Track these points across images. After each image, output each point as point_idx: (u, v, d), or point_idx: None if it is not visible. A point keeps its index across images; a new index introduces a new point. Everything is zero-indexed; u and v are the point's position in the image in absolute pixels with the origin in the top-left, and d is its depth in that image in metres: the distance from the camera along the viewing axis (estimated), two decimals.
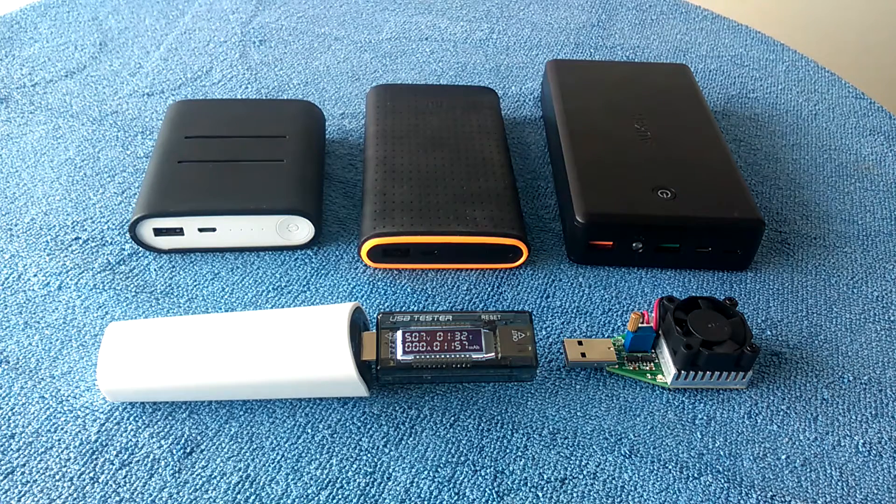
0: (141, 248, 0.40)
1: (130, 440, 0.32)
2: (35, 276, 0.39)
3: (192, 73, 0.55)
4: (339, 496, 0.30)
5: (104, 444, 0.32)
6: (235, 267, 0.40)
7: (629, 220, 0.39)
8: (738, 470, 0.32)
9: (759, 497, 0.31)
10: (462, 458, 0.32)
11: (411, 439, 0.32)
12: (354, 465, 0.31)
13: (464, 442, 0.32)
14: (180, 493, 0.30)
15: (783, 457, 0.33)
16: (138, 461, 0.31)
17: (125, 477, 0.31)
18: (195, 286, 0.39)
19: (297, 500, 0.30)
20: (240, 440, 0.32)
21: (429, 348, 0.32)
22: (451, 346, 0.32)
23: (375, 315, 0.36)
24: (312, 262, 0.41)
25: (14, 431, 0.32)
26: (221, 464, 0.31)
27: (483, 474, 0.31)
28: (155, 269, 0.40)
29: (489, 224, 0.39)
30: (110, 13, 0.61)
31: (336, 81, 0.55)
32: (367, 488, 0.31)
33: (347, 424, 0.33)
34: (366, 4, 0.65)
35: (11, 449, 0.31)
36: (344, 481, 0.31)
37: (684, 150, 0.44)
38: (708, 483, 0.31)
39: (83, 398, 0.33)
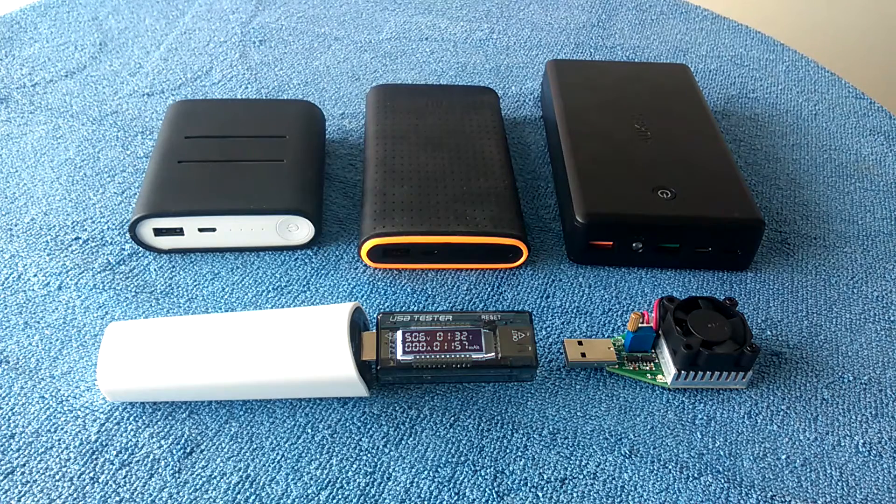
0: (141, 248, 0.40)
1: (130, 440, 0.32)
2: (35, 276, 0.39)
3: (192, 73, 0.55)
4: (339, 496, 0.30)
5: (104, 444, 0.32)
6: (235, 267, 0.40)
7: (629, 220, 0.39)
8: (738, 470, 0.32)
9: (759, 497, 0.31)
10: (462, 458, 0.32)
11: (411, 439, 0.32)
12: (354, 465, 0.31)
13: (464, 442, 0.32)
14: (180, 493, 0.30)
15: (783, 457, 0.33)
16: (138, 461, 0.31)
17: (125, 477, 0.31)
18: (195, 286, 0.39)
19: (297, 500, 0.30)
20: (240, 440, 0.32)
21: (429, 348, 0.32)
22: (451, 346, 0.32)
23: (375, 315, 0.36)
24: (312, 262, 0.41)
25: (14, 431, 0.32)
26: (221, 464, 0.31)
27: (483, 474, 0.31)
28: (155, 269, 0.40)
29: (489, 224, 0.39)
30: (110, 13, 0.61)
31: (336, 81, 0.55)
32: (367, 488, 0.31)
33: (347, 424, 0.33)
34: (366, 4, 0.65)
35: (11, 449, 0.31)
36: (344, 481, 0.31)
37: (684, 150, 0.44)
38: (708, 483, 0.31)
39: (83, 398, 0.33)
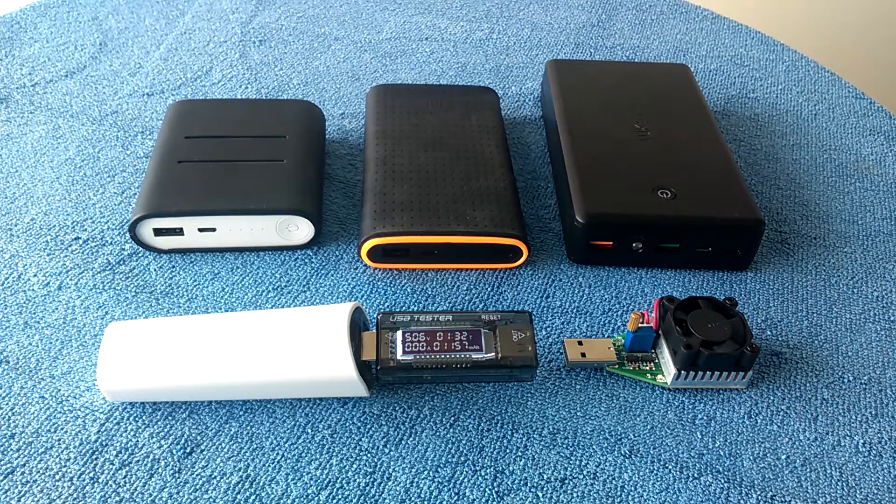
0: (141, 248, 0.40)
1: (130, 440, 0.32)
2: (35, 276, 0.39)
3: (192, 73, 0.55)
4: (339, 496, 0.30)
5: (104, 444, 0.32)
6: (235, 267, 0.40)
7: (629, 220, 0.39)
8: (738, 470, 0.32)
9: (759, 497, 0.31)
10: (462, 458, 0.32)
11: (411, 439, 0.32)
12: (354, 465, 0.31)
13: (464, 442, 0.32)
14: (180, 493, 0.30)
15: (783, 457, 0.33)
16: (138, 461, 0.31)
17: (125, 477, 0.31)
18: (195, 286, 0.39)
19: (297, 500, 0.30)
20: (240, 440, 0.32)
21: (429, 348, 0.32)
22: (451, 346, 0.32)
23: (375, 315, 0.36)
24: (312, 262, 0.41)
25: (14, 431, 0.32)
26: (221, 464, 0.31)
27: (483, 474, 0.31)
28: (155, 269, 0.40)
29: (489, 224, 0.39)
30: (110, 13, 0.61)
31: (336, 81, 0.55)
32: (367, 488, 0.31)
33: (347, 424, 0.33)
34: (366, 4, 0.65)
35: (11, 449, 0.31)
36: (344, 481, 0.31)
37: (684, 150, 0.44)
38: (708, 483, 0.32)
39: (83, 398, 0.33)
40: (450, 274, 0.40)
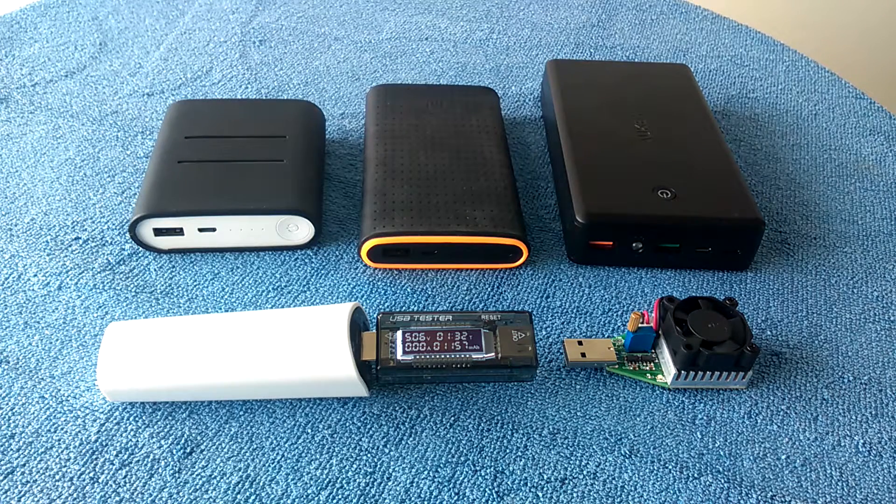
0: (141, 248, 0.40)
1: (130, 440, 0.32)
2: (35, 276, 0.39)
3: (192, 73, 0.55)
4: (339, 496, 0.30)
5: (104, 444, 0.32)
6: (235, 267, 0.40)
7: (629, 220, 0.39)
8: (738, 470, 0.32)
9: (759, 497, 0.31)
10: (462, 458, 0.32)
11: (411, 439, 0.32)
12: (354, 465, 0.31)
13: (464, 442, 0.32)
14: (180, 493, 0.30)
15: (783, 457, 0.33)
16: (138, 461, 0.31)
17: (125, 477, 0.31)
18: (195, 286, 0.39)
19: (297, 500, 0.30)
20: (240, 440, 0.32)
21: (429, 348, 0.32)
22: (451, 346, 0.32)
23: (375, 315, 0.36)
24: (312, 262, 0.41)
25: (14, 431, 0.32)
26: (221, 464, 0.31)
27: (483, 474, 0.31)
28: (155, 269, 0.40)
29: (489, 224, 0.39)
30: (110, 13, 0.61)
31: (336, 81, 0.55)
32: (367, 488, 0.31)
33: (347, 424, 0.33)
34: (366, 4, 0.65)
35: (11, 449, 0.31)
36: (344, 481, 0.31)
37: (684, 150, 0.44)
38: (708, 483, 0.32)
39: (83, 398, 0.33)
40: (450, 274, 0.40)
